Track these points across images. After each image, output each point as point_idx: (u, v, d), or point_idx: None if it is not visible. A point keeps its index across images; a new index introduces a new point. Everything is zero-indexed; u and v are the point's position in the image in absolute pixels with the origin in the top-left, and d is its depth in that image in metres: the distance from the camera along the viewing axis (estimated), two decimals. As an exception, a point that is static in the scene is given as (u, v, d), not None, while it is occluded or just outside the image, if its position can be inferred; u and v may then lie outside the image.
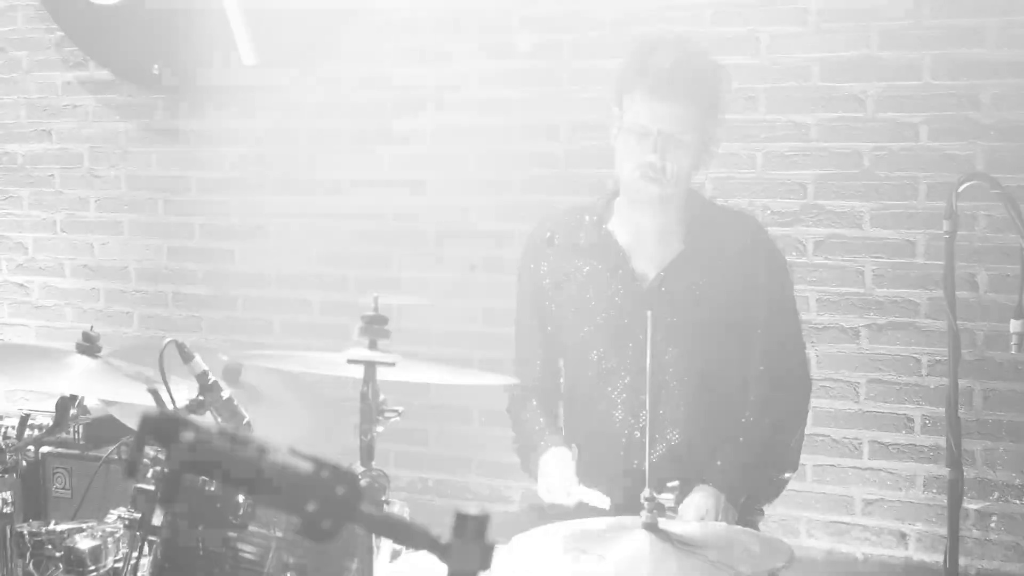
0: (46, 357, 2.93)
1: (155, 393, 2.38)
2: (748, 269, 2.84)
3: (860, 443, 3.78)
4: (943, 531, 2.97)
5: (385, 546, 2.30)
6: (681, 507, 2.58)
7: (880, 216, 3.73)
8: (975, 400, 3.65)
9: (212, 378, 2.45)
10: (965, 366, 3.35)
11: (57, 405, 2.87)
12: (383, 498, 2.27)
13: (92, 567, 2.67)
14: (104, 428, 3.94)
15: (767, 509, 3.01)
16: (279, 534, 2.21)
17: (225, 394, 2.45)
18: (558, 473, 2.77)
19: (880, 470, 3.76)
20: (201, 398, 2.43)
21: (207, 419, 2.41)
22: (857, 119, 3.73)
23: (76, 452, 4.03)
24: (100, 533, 2.72)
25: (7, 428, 3.98)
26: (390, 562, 2.33)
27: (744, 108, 3.83)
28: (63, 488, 4.04)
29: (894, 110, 3.69)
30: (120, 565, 2.67)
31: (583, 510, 2.65)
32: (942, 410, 2.90)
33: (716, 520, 2.67)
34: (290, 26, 4.37)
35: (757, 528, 2.93)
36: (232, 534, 2.25)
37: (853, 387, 3.77)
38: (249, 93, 4.49)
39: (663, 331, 2.66)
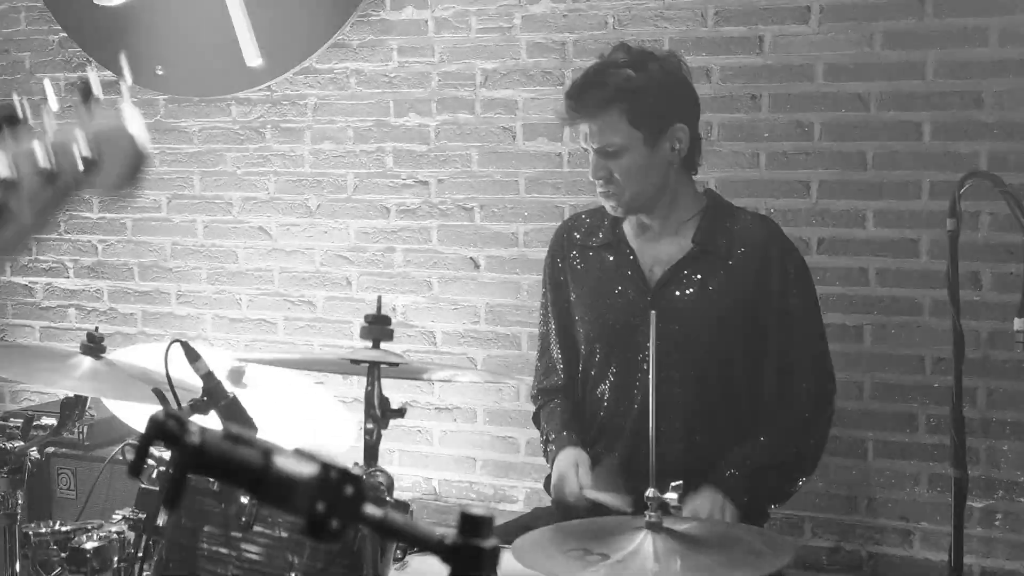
0: (51, 358, 2.93)
1: (160, 393, 2.38)
2: (759, 273, 2.83)
3: (864, 442, 3.77)
4: (948, 529, 2.97)
5: (390, 548, 2.30)
6: (685, 507, 2.58)
7: (883, 215, 3.73)
8: (979, 399, 3.65)
9: (217, 378, 2.45)
10: (969, 365, 3.35)
11: (62, 406, 2.88)
12: (387, 498, 2.27)
13: (97, 568, 2.67)
14: (108, 429, 3.95)
15: (775, 510, 3.00)
16: (284, 535, 2.22)
17: (230, 394, 2.46)
18: (573, 472, 2.77)
19: (884, 469, 3.76)
20: (206, 399, 2.43)
21: (212, 419, 2.42)
22: (860, 118, 3.73)
23: (80, 453, 4.04)
24: (105, 534, 2.72)
25: (12, 429, 3.99)
26: (395, 565, 2.33)
27: (747, 107, 3.84)
28: (68, 489, 4.05)
29: (897, 109, 3.69)
30: (125, 566, 2.67)
31: (597, 509, 2.65)
32: (946, 409, 2.90)
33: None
34: (293, 26, 4.37)
35: (761, 524, 2.93)
36: (236, 535, 2.25)
37: (857, 386, 3.77)
38: (252, 93, 4.49)
39: (668, 330, 2.67)
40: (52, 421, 3.45)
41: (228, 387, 2.48)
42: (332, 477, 1.02)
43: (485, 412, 4.24)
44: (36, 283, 4.94)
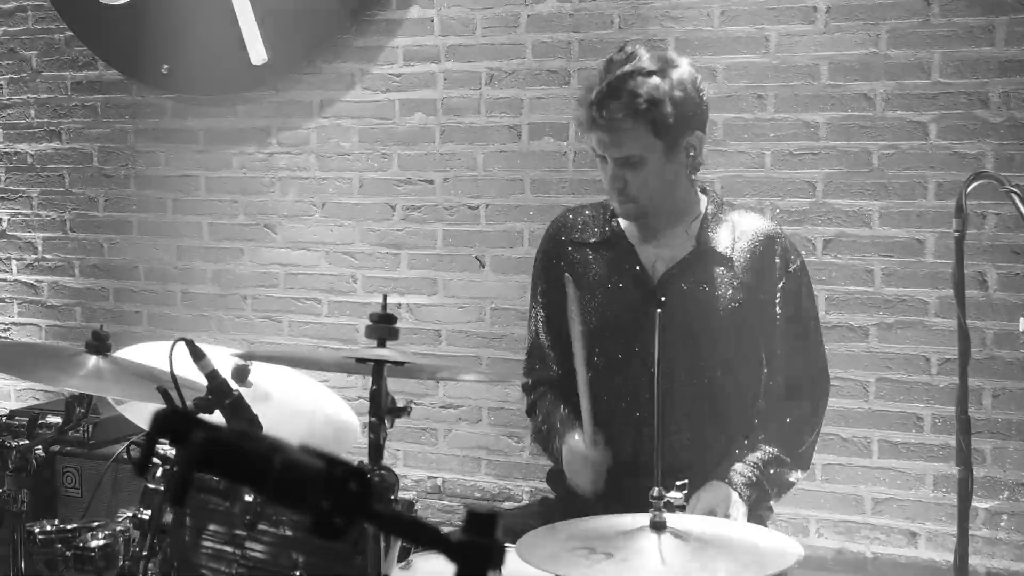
0: (56, 356, 2.93)
1: (165, 392, 2.38)
2: (760, 270, 2.83)
3: (870, 442, 3.77)
4: (953, 530, 2.96)
5: (395, 547, 2.30)
6: (690, 503, 2.58)
7: (889, 215, 3.72)
8: (985, 399, 3.64)
9: (221, 377, 2.45)
10: (975, 365, 3.34)
11: (67, 404, 2.88)
12: (392, 497, 2.27)
13: (102, 566, 2.67)
14: (114, 428, 3.95)
15: (775, 507, 3.00)
16: (289, 533, 2.22)
17: (235, 393, 2.46)
18: (587, 465, 2.75)
19: (890, 469, 3.76)
20: (211, 397, 2.43)
21: (216, 418, 2.42)
22: (866, 118, 3.73)
23: (86, 451, 4.05)
24: (110, 532, 2.72)
25: (18, 427, 4.00)
26: (400, 565, 2.33)
27: (753, 107, 3.83)
28: (73, 487, 4.05)
29: (903, 109, 3.69)
30: (130, 564, 2.67)
31: (606, 505, 2.65)
32: (952, 409, 2.89)
33: (726, 516, 2.66)
34: (299, 26, 4.37)
35: (765, 524, 2.93)
36: (241, 533, 2.25)
37: (862, 386, 3.76)
38: (258, 93, 4.50)
39: (670, 329, 2.66)
40: (57, 420, 3.45)
41: (232, 385, 2.48)
42: (337, 474, 1.02)
43: (490, 412, 4.24)
44: (42, 282, 4.94)
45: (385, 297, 2.37)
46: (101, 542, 2.69)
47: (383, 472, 2.19)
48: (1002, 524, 3.66)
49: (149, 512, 2.54)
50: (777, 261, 2.84)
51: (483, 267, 4.22)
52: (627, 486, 2.67)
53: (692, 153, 2.78)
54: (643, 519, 2.13)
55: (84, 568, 2.68)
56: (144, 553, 2.45)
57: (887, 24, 3.69)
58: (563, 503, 2.91)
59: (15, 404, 4.88)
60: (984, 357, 3.61)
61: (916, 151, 3.68)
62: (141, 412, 2.81)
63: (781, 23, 3.79)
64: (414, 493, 4.28)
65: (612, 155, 2.74)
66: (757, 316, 2.82)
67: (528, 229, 4.13)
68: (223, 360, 2.59)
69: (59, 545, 2.73)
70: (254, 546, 2.24)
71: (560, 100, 4.05)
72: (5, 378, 4.97)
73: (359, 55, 4.35)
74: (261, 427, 2.44)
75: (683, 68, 2.76)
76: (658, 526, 2.10)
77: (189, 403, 2.42)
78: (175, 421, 1.02)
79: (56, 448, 3.95)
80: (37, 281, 4.96)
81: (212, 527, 2.29)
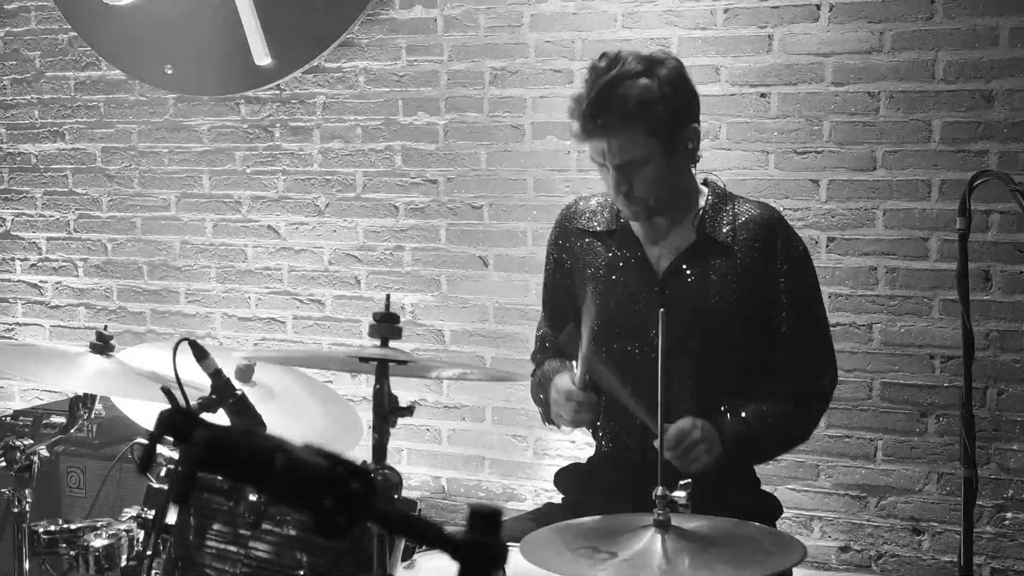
0: (60, 356, 2.93)
1: (168, 392, 2.38)
2: (764, 260, 2.82)
3: (874, 442, 3.77)
4: (957, 530, 2.97)
5: (399, 546, 2.30)
6: (670, 429, 2.60)
7: (893, 215, 3.72)
8: (989, 399, 3.64)
9: (225, 376, 2.45)
10: (979, 365, 3.34)
11: (71, 404, 2.88)
12: (395, 496, 2.27)
13: (106, 566, 2.67)
14: (117, 427, 3.96)
15: (781, 501, 2.99)
16: (293, 533, 2.21)
17: (238, 392, 2.45)
18: (570, 400, 2.75)
19: (894, 469, 3.76)
20: (214, 396, 2.43)
21: (220, 417, 2.42)
22: (870, 118, 3.72)
23: (90, 451, 4.05)
24: (114, 532, 2.73)
25: (22, 427, 4.00)
26: (403, 564, 2.33)
27: (756, 107, 3.83)
28: (77, 487, 4.06)
29: (907, 109, 3.69)
30: (134, 564, 2.68)
31: (608, 507, 2.65)
32: (955, 409, 2.89)
33: (696, 443, 2.64)
34: (302, 25, 4.38)
35: (772, 523, 2.92)
36: (245, 533, 2.25)
37: (867, 386, 3.76)
38: (261, 92, 4.50)
39: (675, 320, 2.66)
40: (61, 420, 3.46)
41: (236, 385, 2.48)
42: (339, 472, 1.02)
43: (494, 411, 4.24)
44: (46, 282, 4.95)
45: (388, 296, 2.37)
46: (105, 542, 2.69)
47: (387, 471, 2.19)
48: (1006, 523, 3.66)
49: (153, 512, 2.54)
50: (779, 249, 2.83)
51: (487, 266, 4.22)
52: (632, 483, 2.67)
53: (690, 145, 2.78)
54: (646, 518, 2.12)
55: (88, 568, 2.68)
56: (148, 553, 2.45)
57: (891, 24, 3.68)
58: (568, 509, 2.91)
59: (19, 404, 4.89)
60: (988, 356, 3.61)
61: (920, 151, 3.68)
62: (145, 412, 2.81)
63: (785, 23, 3.79)
64: (418, 493, 4.28)
65: (612, 162, 2.73)
66: (761, 305, 2.82)
67: (531, 228, 4.13)
68: (226, 359, 2.59)
69: (63, 545, 2.73)
70: (258, 546, 2.23)
71: (563, 99, 4.03)
72: (9, 378, 4.98)
73: (362, 54, 4.35)
74: (265, 426, 2.44)
75: (669, 63, 2.75)
76: (662, 525, 2.09)
77: (193, 403, 2.42)
78: (178, 420, 1.02)
79: (60, 448, 3.95)
80: (41, 281, 4.96)
81: (216, 527, 2.29)
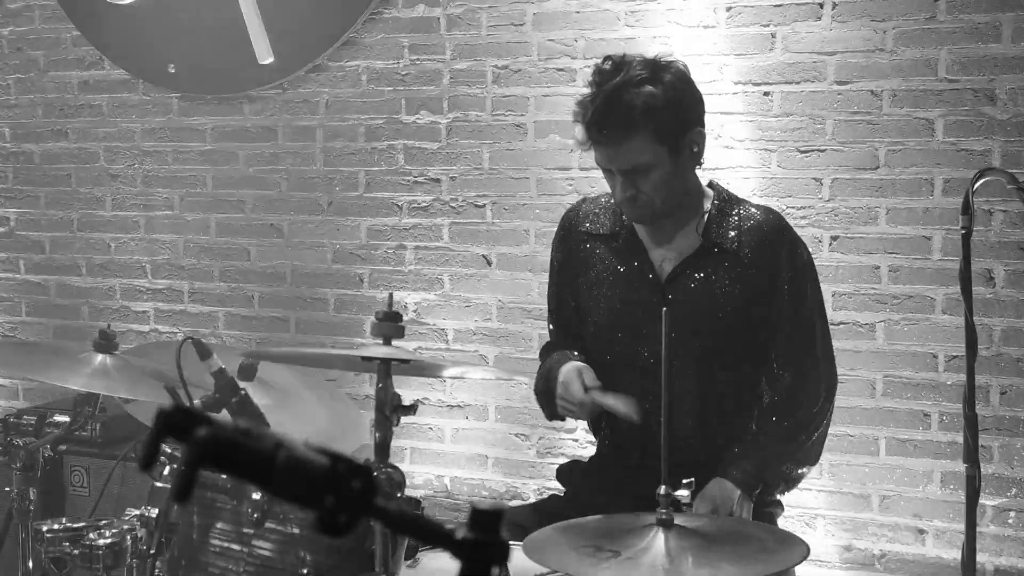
0: (64, 355, 2.94)
1: (172, 390, 2.39)
2: (767, 265, 2.82)
3: (877, 440, 3.77)
4: (960, 527, 2.96)
5: (402, 545, 2.30)
6: (696, 500, 2.58)
7: (896, 212, 3.72)
8: (992, 396, 3.64)
9: (228, 375, 2.46)
10: (982, 362, 3.34)
11: (75, 403, 2.89)
12: (398, 495, 2.27)
13: (109, 565, 2.68)
14: (121, 426, 3.96)
15: (784, 500, 3.00)
16: (295, 531, 2.22)
17: (241, 391, 2.46)
18: (577, 377, 2.75)
19: (897, 467, 3.75)
20: (217, 395, 2.44)
21: (223, 416, 2.42)
22: (873, 115, 3.72)
23: (93, 450, 4.06)
24: (118, 531, 2.73)
25: (26, 426, 4.01)
26: (406, 562, 2.33)
27: (758, 105, 3.83)
28: (81, 486, 4.06)
29: (910, 106, 3.68)
30: (137, 563, 2.68)
31: (610, 505, 2.65)
32: (959, 406, 2.88)
33: (731, 513, 2.66)
34: (305, 24, 4.38)
35: (774, 521, 2.92)
36: (248, 531, 2.25)
37: (869, 384, 3.76)
38: (264, 91, 4.50)
39: (679, 324, 2.67)
40: (65, 418, 3.46)
41: (239, 384, 2.48)
42: (341, 470, 1.02)
43: (496, 410, 4.24)
44: (49, 281, 4.95)
45: (391, 295, 2.37)
46: (109, 540, 2.69)
47: (389, 470, 2.20)
48: (1010, 521, 3.66)
49: (156, 510, 2.54)
50: (783, 255, 2.83)
51: (489, 265, 4.22)
52: (633, 483, 2.67)
53: (695, 149, 2.78)
54: (650, 517, 2.12)
55: (92, 566, 2.68)
56: (152, 551, 2.45)
57: (894, 21, 3.68)
58: (571, 502, 2.91)
59: (23, 403, 4.89)
60: (991, 354, 3.60)
61: (923, 148, 3.68)
62: (148, 410, 2.81)
63: (787, 21, 3.79)
64: (421, 491, 4.28)
65: (618, 168, 2.73)
66: (764, 310, 2.82)
67: (534, 227, 4.13)
68: (230, 358, 2.59)
69: (67, 543, 2.74)
70: (261, 544, 2.24)
71: (566, 98, 4.05)
72: (13, 377, 4.98)
73: (365, 53, 4.35)
74: (268, 425, 2.44)
75: (673, 68, 2.74)
76: (665, 524, 2.09)
77: (196, 401, 2.42)
78: (179, 418, 1.02)
79: (64, 447, 3.94)
80: (44, 280, 4.97)
81: (219, 525, 2.29)
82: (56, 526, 2.79)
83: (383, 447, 2.22)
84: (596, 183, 3.87)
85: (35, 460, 2.77)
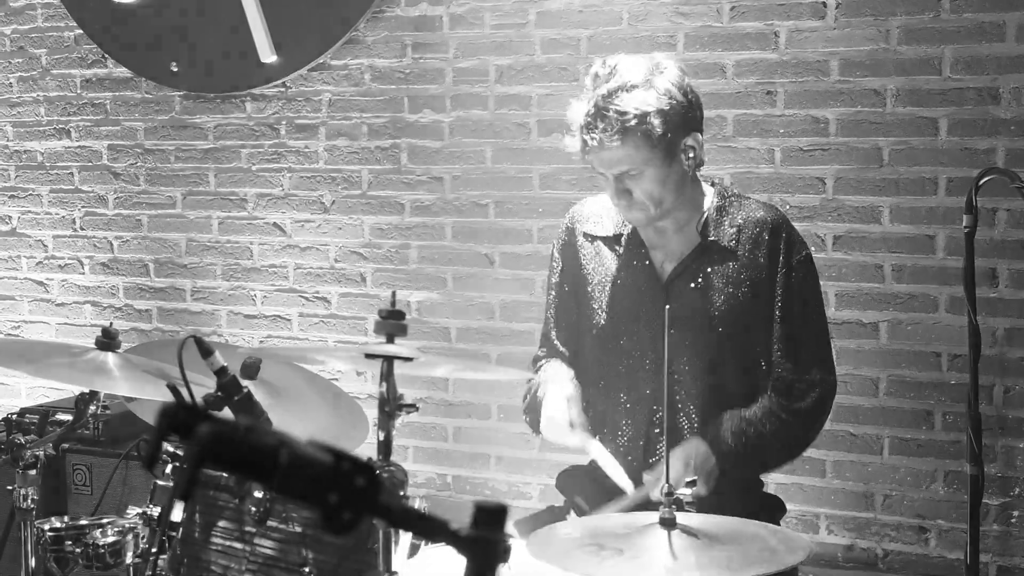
0: (66, 354, 2.93)
1: (174, 389, 2.38)
2: (766, 262, 2.82)
3: (880, 439, 3.76)
4: (964, 527, 2.97)
5: (404, 541, 2.30)
6: (672, 453, 2.58)
7: (899, 211, 3.72)
8: (995, 396, 3.64)
9: (231, 373, 2.45)
10: (985, 362, 3.34)
11: (77, 401, 2.88)
12: (401, 493, 2.27)
13: (112, 563, 2.68)
14: (124, 424, 3.96)
15: (787, 504, 2.99)
16: (298, 530, 2.21)
17: (244, 389, 2.45)
18: (562, 408, 2.75)
19: (900, 466, 3.75)
20: (220, 393, 2.43)
21: (225, 414, 2.42)
22: (876, 114, 3.72)
23: (96, 448, 4.06)
24: (120, 529, 2.73)
25: (28, 425, 4.01)
26: (409, 558, 2.33)
27: (763, 103, 3.83)
28: (83, 485, 4.06)
29: (914, 105, 3.68)
30: (139, 561, 2.68)
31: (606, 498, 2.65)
32: (962, 406, 2.89)
33: (692, 471, 2.64)
34: (308, 22, 4.38)
35: (777, 520, 2.92)
36: (251, 530, 2.25)
37: (873, 383, 3.76)
38: (266, 89, 4.50)
39: (680, 325, 2.66)
40: (67, 417, 3.46)
41: (242, 382, 2.48)
42: (344, 468, 1.02)
43: (499, 408, 4.24)
44: (52, 280, 4.95)
45: (394, 293, 2.36)
46: (111, 539, 2.69)
47: (392, 468, 2.19)
48: (1013, 521, 3.65)
49: (159, 509, 2.54)
50: (781, 252, 2.82)
51: (492, 263, 4.22)
52: (634, 483, 2.67)
53: (691, 154, 2.77)
54: (652, 516, 2.12)
55: (94, 565, 2.68)
56: (154, 550, 2.45)
57: (897, 20, 3.68)
58: (569, 512, 2.91)
59: (26, 401, 4.89)
60: (994, 354, 3.60)
61: (926, 147, 3.68)
62: (151, 409, 2.81)
63: (791, 19, 3.79)
64: (424, 490, 4.28)
65: (611, 172, 2.74)
66: (762, 309, 2.81)
67: (537, 226, 4.13)
68: (233, 357, 2.59)
69: (69, 542, 2.74)
70: (264, 542, 2.24)
71: (569, 96, 4.03)
72: (16, 376, 4.98)
73: (368, 51, 4.35)
74: (271, 423, 2.44)
75: (668, 73, 2.73)
76: (668, 523, 2.09)
77: (199, 399, 2.42)
78: (181, 416, 1.02)
79: (66, 445, 3.95)
80: (47, 279, 4.97)
81: (222, 523, 2.29)
82: (58, 525, 2.78)
83: (386, 446, 2.22)
84: (599, 182, 3.86)
85: (37, 458, 2.77)
